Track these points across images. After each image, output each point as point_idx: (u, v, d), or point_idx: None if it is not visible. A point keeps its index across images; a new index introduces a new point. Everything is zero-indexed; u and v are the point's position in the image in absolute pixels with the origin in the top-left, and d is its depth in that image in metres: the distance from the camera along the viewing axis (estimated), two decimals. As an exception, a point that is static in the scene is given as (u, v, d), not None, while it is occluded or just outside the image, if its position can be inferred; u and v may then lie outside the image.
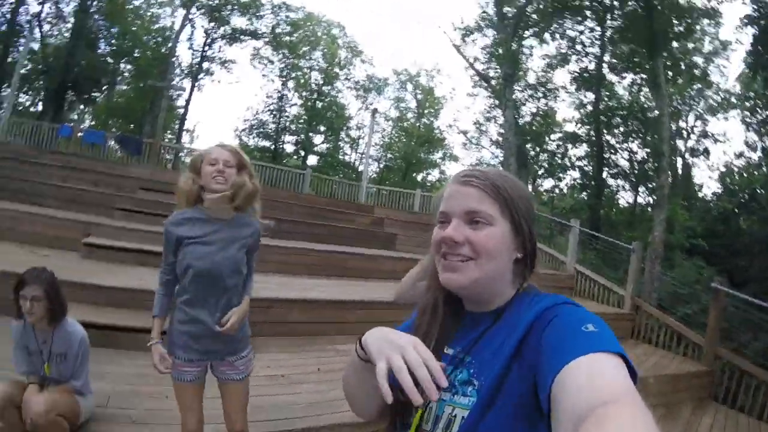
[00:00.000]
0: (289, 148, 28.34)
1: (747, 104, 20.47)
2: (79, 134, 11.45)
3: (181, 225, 1.96)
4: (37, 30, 17.66)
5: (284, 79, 26.67)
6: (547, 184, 25.46)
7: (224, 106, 57.23)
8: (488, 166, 0.83)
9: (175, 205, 2.04)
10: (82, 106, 23.64)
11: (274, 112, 26.94)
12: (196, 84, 23.05)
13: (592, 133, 21.00)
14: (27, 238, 5.16)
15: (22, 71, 16.07)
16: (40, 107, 19.27)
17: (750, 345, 7.03)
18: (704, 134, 23.41)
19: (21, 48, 15.84)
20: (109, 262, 4.92)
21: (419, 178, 30.78)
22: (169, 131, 24.74)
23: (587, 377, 0.57)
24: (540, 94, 22.51)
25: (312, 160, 28.19)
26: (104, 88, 21.20)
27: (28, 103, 21.34)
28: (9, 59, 17.06)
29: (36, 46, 17.94)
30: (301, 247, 6.58)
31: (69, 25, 18.47)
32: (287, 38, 25.06)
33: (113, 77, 21.93)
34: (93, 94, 19.79)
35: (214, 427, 2.50)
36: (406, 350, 0.69)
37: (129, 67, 22.24)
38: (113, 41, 20.88)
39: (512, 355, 0.75)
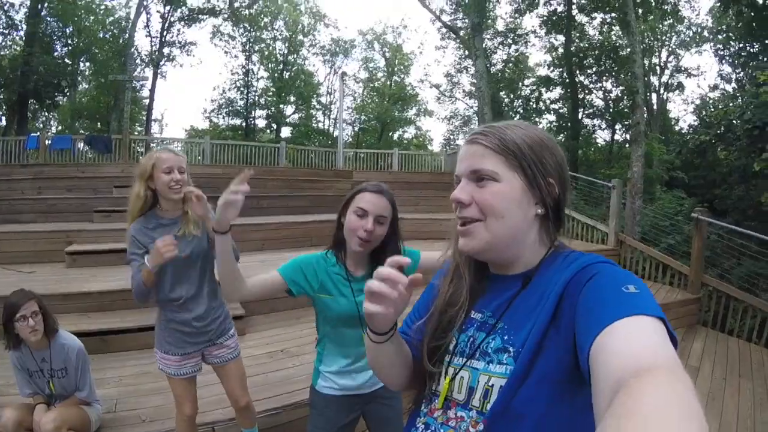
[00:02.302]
0: (261, 123, 27.73)
1: (720, 37, 20.43)
2: (47, 142, 11.05)
3: (149, 232, 1.96)
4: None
5: (248, 53, 25.82)
6: (524, 129, 25.40)
7: (190, 90, 55.67)
8: (517, 120, 0.88)
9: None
10: (45, 113, 22.84)
11: (241, 89, 26.18)
12: (159, 71, 22.26)
13: (565, 75, 20.90)
14: (10, 258, 5.09)
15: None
16: (3, 122, 18.55)
17: (734, 271, 7.22)
18: (678, 69, 23.54)
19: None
20: (93, 266, 4.89)
21: (395, 136, 30.61)
22: (137, 123, 24.05)
23: (626, 341, 0.54)
24: (510, 41, 22.23)
25: (285, 132, 27.68)
26: (66, 90, 20.30)
27: (-10, 121, 20.41)
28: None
29: (-11, 60, 17.10)
30: (282, 221, 6.55)
31: (21, 33, 17.53)
32: (246, 11, 24.11)
33: (73, 78, 21.06)
34: (55, 98, 18.94)
35: (220, 412, 2.57)
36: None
37: (88, 64, 21.42)
38: (69, 41, 19.97)
39: (549, 319, 0.71)
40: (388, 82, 29.55)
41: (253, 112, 26.65)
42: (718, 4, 15.52)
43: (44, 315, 2.14)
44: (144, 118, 23.74)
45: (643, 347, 0.53)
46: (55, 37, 19.20)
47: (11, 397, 2.41)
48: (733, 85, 20.33)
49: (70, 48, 20.15)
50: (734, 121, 11.58)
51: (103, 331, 3.49)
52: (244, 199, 1.34)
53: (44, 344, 2.15)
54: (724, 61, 21.03)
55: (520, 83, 23.62)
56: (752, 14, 13.98)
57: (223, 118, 27.03)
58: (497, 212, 0.77)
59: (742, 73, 19.06)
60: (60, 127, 23.76)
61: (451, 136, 30.56)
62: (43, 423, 1.94)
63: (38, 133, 11.46)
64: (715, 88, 22.50)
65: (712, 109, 17.42)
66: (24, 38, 16.94)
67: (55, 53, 19.11)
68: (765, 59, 14.45)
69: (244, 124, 26.43)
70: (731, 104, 14.16)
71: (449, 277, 0.90)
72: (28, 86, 15.73)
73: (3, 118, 18.50)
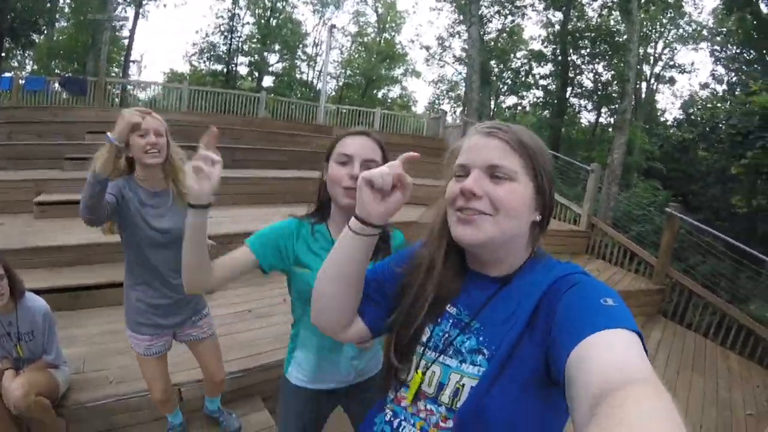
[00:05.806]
0: (243, 70, 26.79)
1: (718, 38, 20.40)
2: (21, 82, 10.41)
3: (125, 192, 1.82)
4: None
5: (235, -3, 24.48)
6: (510, 101, 25.15)
7: (172, 32, 52.32)
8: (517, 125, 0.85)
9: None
10: (21, 52, 21.48)
11: (225, 33, 25.07)
12: (141, 11, 21.06)
13: (558, 52, 20.68)
14: (-23, 208, 4.86)
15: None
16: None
17: (698, 267, 7.49)
18: (672, 65, 23.49)
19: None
20: (63, 218, 4.70)
21: (380, 95, 30.11)
22: (115, 65, 22.85)
23: (606, 353, 0.56)
24: (507, 11, 21.70)
25: (267, 81, 26.90)
26: (43, 28, 19.01)
27: (-37, 60, 18.93)
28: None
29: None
30: (256, 176, 6.38)
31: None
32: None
33: (51, 15, 19.66)
34: (32, 37, 17.66)
35: (186, 374, 2.56)
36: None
37: (68, 1, 20.06)
38: (49, -23, 18.53)
39: (525, 325, 0.73)
40: (378, 39, 28.75)
41: (235, 59, 25.71)
42: (722, 7, 15.46)
43: (10, 277, 2.06)
44: (122, 59, 22.57)
45: (625, 361, 0.54)
46: (34, -28, 17.70)
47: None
48: (724, 87, 20.57)
49: (50, -17, 18.75)
50: (720, 124, 11.78)
51: (72, 287, 3.40)
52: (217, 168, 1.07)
53: (11, 308, 2.08)
54: (718, 62, 21.15)
55: (512, 55, 23.27)
56: (754, 22, 14.00)
57: (205, 62, 26.08)
58: (511, 211, 0.76)
59: (735, 77, 19.21)
60: (35, 67, 22.46)
61: (436, 100, 30.27)
62: (12, 389, 1.91)
63: (12, 73, 10.72)
64: (705, 86, 22.77)
65: (700, 108, 17.63)
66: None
67: (34, -11, 17.68)
68: (759, 68, 14.57)
69: (225, 70, 25.52)
70: (719, 106, 14.37)
71: (418, 271, 0.87)
72: (3, 23, 14.70)
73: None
